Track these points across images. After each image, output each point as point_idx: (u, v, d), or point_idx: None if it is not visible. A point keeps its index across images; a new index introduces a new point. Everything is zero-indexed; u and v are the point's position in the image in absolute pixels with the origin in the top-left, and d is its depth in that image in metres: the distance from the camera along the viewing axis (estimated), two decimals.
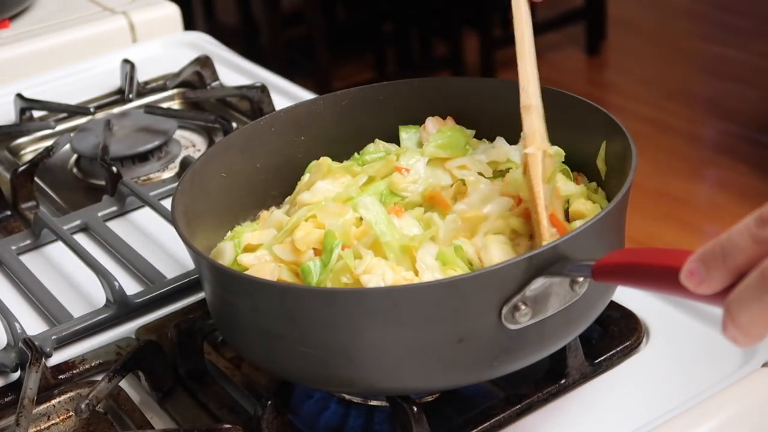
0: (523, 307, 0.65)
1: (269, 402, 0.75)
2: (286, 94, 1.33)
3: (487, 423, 0.75)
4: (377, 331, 0.67)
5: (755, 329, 0.51)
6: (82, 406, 0.76)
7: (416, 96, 0.92)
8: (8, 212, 1.13)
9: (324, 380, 0.72)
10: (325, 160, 0.87)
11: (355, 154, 0.91)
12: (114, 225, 1.08)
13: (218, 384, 0.83)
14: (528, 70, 0.81)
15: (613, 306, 0.85)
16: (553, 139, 0.87)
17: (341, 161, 0.90)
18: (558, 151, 0.83)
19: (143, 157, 1.21)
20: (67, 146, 1.22)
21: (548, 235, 0.74)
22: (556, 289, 0.66)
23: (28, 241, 1.06)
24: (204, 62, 1.38)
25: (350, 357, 0.68)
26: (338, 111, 0.92)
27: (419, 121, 0.91)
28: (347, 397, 0.81)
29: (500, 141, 0.87)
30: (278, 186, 0.90)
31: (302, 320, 0.68)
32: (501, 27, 3.81)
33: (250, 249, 0.80)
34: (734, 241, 0.52)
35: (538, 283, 0.65)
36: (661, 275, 0.56)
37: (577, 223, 0.77)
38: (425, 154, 0.86)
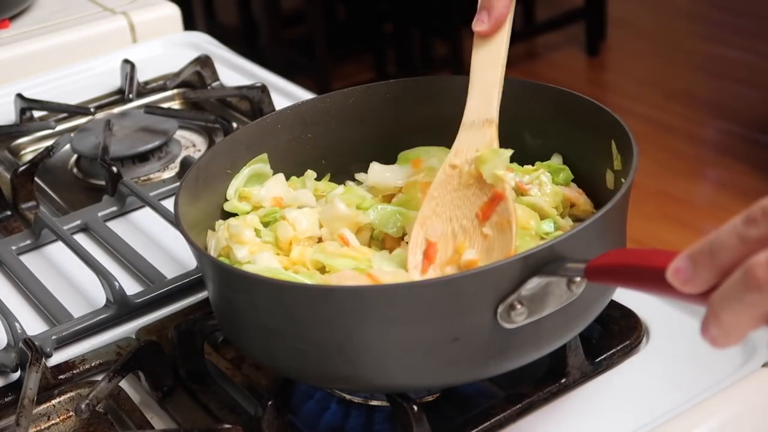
0: (518, 306, 0.65)
1: (270, 402, 0.75)
2: (286, 94, 1.33)
3: (488, 422, 0.75)
4: (372, 329, 0.67)
5: (737, 329, 0.51)
6: (82, 406, 0.76)
7: (423, 94, 0.92)
8: (8, 212, 1.13)
9: (320, 377, 0.72)
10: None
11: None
12: (114, 225, 1.08)
13: (218, 384, 0.83)
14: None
15: (613, 305, 0.85)
16: (555, 138, 0.87)
17: (347, 158, 0.90)
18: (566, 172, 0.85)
19: (143, 157, 1.21)
20: (67, 146, 1.22)
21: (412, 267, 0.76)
22: (553, 289, 0.66)
23: (28, 241, 1.06)
24: (204, 62, 1.38)
25: (345, 354, 0.68)
26: (345, 109, 0.92)
27: (427, 120, 0.90)
28: (347, 397, 0.81)
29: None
30: None
31: (298, 317, 0.69)
32: None
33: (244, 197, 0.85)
34: (722, 240, 0.51)
35: (534, 283, 0.65)
36: (651, 276, 0.56)
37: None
38: None
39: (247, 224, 0.81)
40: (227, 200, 0.86)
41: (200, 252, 0.73)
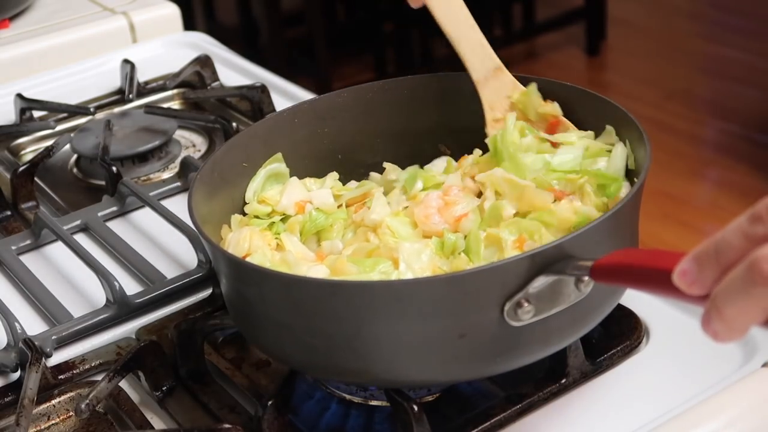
0: (525, 304, 0.65)
1: (270, 402, 0.75)
2: (286, 94, 1.33)
3: (488, 422, 0.75)
4: (380, 324, 0.67)
5: (740, 323, 0.50)
6: (82, 406, 0.76)
7: (441, 90, 0.91)
8: (8, 212, 1.13)
9: (328, 370, 0.73)
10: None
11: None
12: (114, 225, 1.08)
13: (218, 384, 0.83)
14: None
15: None
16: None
17: (364, 153, 0.91)
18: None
19: (143, 157, 1.21)
20: (67, 146, 1.22)
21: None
22: (561, 288, 0.66)
23: (28, 241, 1.06)
24: (204, 62, 1.38)
25: (353, 348, 0.69)
26: (362, 103, 0.92)
27: (443, 116, 0.90)
28: (348, 397, 0.81)
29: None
30: (299, 177, 0.90)
31: (307, 311, 0.69)
32: (501, 27, 3.82)
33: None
34: (727, 239, 0.51)
35: (541, 281, 0.65)
36: (657, 277, 0.56)
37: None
38: None
39: (266, 242, 0.81)
40: (246, 203, 0.85)
41: (213, 245, 0.73)
